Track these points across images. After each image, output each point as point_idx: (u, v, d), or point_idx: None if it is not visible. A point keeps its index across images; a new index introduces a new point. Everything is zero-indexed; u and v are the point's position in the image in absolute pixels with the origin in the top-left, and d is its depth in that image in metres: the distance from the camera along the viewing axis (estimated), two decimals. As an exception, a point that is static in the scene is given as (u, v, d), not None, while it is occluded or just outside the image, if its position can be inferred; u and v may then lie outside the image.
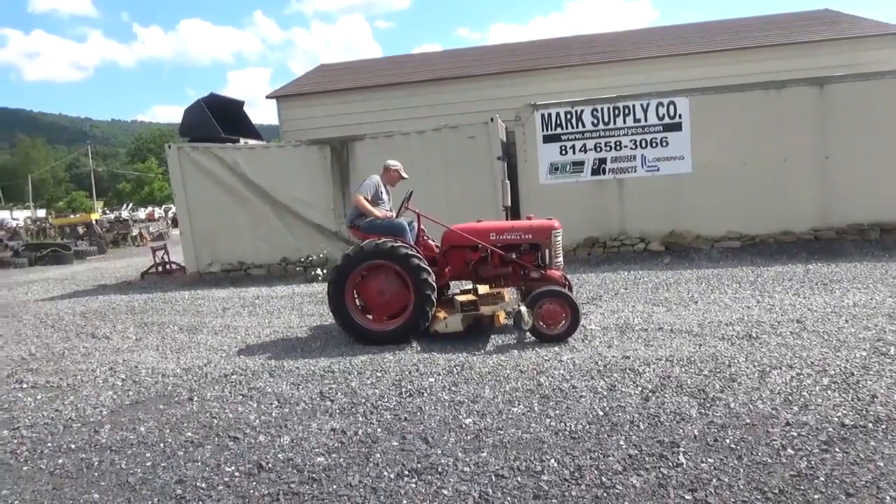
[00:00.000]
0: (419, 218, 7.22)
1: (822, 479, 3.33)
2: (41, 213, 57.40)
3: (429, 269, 6.61)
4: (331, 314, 6.95)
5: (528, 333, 6.40)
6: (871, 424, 3.92)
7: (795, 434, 3.86)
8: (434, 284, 6.62)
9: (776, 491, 3.25)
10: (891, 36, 15.86)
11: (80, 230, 28.43)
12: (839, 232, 10.91)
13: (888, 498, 3.11)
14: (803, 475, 3.38)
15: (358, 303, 6.92)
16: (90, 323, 9.24)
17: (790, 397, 4.45)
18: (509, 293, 7.39)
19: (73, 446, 4.54)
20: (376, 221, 7.00)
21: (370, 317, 6.90)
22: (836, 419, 4.03)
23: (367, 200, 7.06)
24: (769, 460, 3.57)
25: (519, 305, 6.40)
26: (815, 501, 3.13)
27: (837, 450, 3.62)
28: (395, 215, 7.18)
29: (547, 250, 7.02)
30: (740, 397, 4.51)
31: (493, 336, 6.75)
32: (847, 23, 17.36)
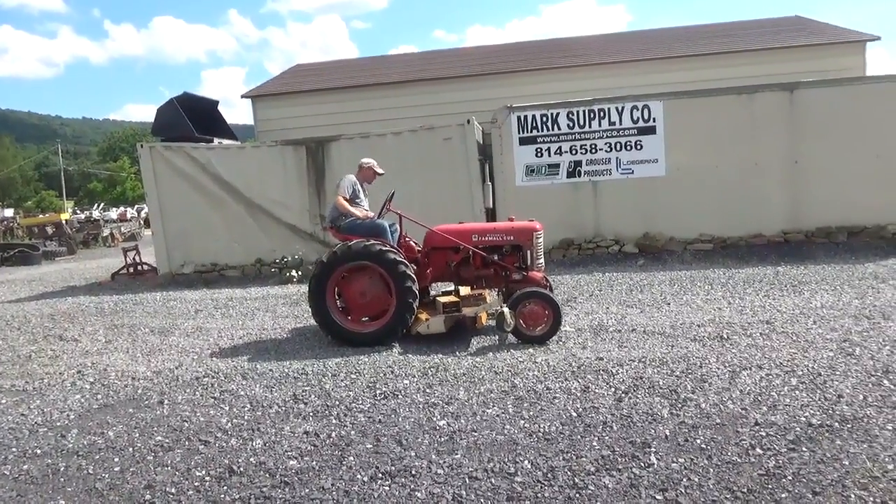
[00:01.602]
0: (401, 219, 7.19)
1: (789, 477, 3.38)
2: (9, 212, 56.09)
3: (414, 277, 6.59)
4: (305, 316, 6.90)
5: (509, 334, 6.42)
6: (837, 424, 4.00)
7: (764, 434, 3.92)
8: (417, 293, 6.61)
9: (745, 490, 3.29)
10: (859, 43, 16.22)
11: (50, 230, 27.84)
12: (808, 235, 11.13)
13: (853, 496, 3.17)
14: (771, 474, 3.43)
15: (338, 304, 6.88)
16: (58, 325, 9.05)
17: (759, 398, 4.52)
18: (491, 295, 7.41)
19: (38, 451, 4.44)
20: (357, 222, 6.95)
21: (349, 317, 6.85)
22: (804, 419, 4.10)
23: (347, 200, 7.02)
24: (738, 460, 3.62)
25: (501, 307, 6.42)
26: (783, 500, 3.18)
27: (805, 449, 3.69)
28: (376, 216, 7.15)
29: (528, 252, 7.04)
30: (711, 398, 4.57)
31: (473, 338, 6.75)
32: (817, 30, 17.71)
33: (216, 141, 13.98)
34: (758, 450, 3.72)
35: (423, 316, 6.82)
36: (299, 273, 11.68)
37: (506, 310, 6.23)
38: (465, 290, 7.34)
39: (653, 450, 3.80)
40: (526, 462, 3.76)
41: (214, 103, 15.91)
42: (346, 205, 6.97)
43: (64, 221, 29.53)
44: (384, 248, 6.57)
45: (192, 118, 13.72)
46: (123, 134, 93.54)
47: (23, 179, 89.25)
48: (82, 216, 40.94)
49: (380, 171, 7.50)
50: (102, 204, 63.13)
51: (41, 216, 37.93)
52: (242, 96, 18.24)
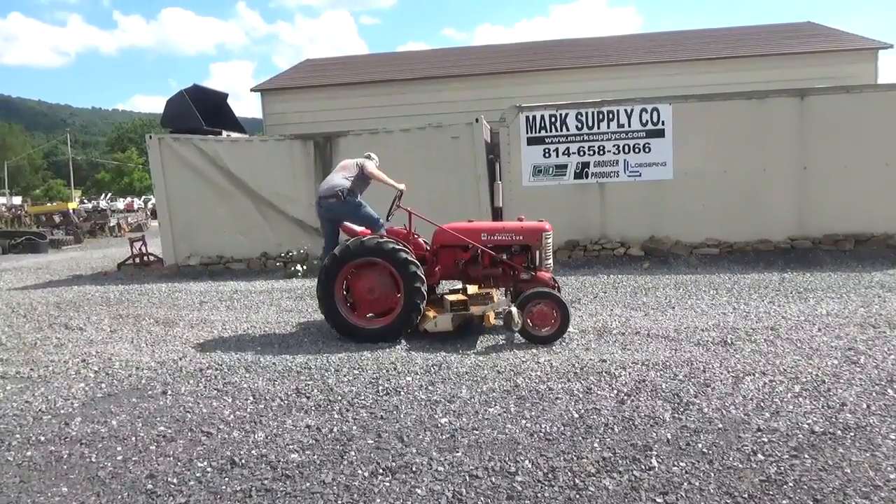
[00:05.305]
0: (410, 217, 7.20)
1: (790, 484, 3.38)
2: (17, 200, 56.36)
3: (424, 278, 6.57)
4: (309, 311, 6.91)
5: (517, 334, 6.41)
6: (840, 432, 3.99)
7: (766, 440, 3.91)
8: (425, 294, 6.59)
9: (745, 496, 3.29)
10: (871, 51, 16.15)
11: (57, 219, 27.99)
12: (815, 242, 11.08)
13: (854, 504, 3.17)
14: (773, 480, 3.42)
15: (346, 298, 6.88)
16: (64, 313, 9.10)
17: (762, 403, 4.51)
18: (498, 294, 7.40)
19: (42, 438, 4.46)
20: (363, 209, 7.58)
21: (355, 312, 6.85)
22: (807, 426, 4.09)
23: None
24: (740, 465, 3.61)
25: (509, 306, 6.41)
26: (784, 507, 3.18)
27: (807, 456, 3.68)
28: (386, 214, 7.24)
29: (538, 252, 7.03)
30: (713, 402, 4.56)
31: (479, 336, 6.74)
32: (829, 36, 17.64)
33: (225, 134, 14.02)
34: (759, 456, 3.71)
35: (431, 313, 6.79)
36: (304, 268, 11.71)
37: (514, 309, 6.23)
38: (472, 289, 7.34)
39: (654, 453, 3.80)
40: (527, 462, 3.76)
41: (224, 96, 15.94)
42: (384, 176, 7.75)
43: (71, 210, 29.67)
44: (396, 247, 6.54)
45: (201, 110, 13.75)
46: (132, 125, 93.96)
47: (31, 168, 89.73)
48: (89, 206, 41.06)
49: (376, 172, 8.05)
50: (110, 194, 63.27)
51: (49, 205, 38.08)
52: (252, 90, 18.32)
